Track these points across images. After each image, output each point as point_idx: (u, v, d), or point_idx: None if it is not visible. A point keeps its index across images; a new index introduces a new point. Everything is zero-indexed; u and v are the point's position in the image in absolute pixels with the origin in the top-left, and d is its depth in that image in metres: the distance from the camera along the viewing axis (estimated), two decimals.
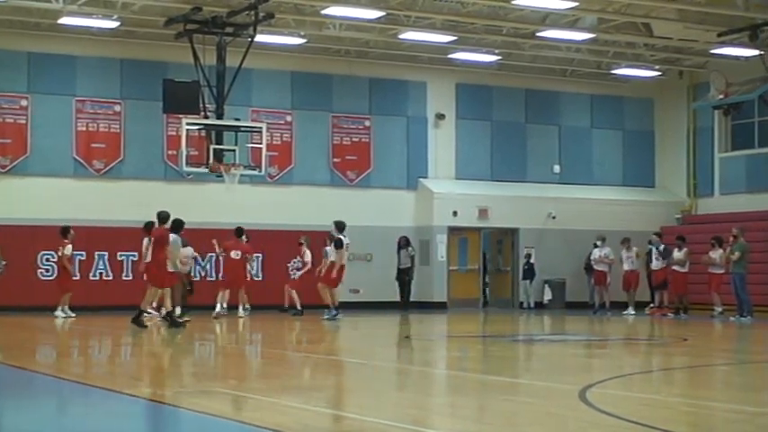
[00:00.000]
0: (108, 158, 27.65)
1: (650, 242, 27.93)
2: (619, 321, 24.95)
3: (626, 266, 27.95)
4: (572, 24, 27.58)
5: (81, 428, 8.70)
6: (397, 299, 29.52)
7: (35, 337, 19.59)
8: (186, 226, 25.22)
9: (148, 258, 22.50)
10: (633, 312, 27.20)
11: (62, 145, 27.16)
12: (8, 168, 26.84)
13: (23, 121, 26.94)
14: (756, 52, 27.15)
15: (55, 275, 25.26)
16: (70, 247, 24.24)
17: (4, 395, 10.70)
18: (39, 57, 27.03)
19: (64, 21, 25.63)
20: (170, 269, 20.72)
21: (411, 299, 29.67)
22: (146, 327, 19.85)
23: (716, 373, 13.50)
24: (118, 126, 27.76)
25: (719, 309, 25.83)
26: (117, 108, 27.76)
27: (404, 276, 29.67)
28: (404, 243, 29.75)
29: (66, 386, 11.35)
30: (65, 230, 24.24)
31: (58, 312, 23.85)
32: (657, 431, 8.07)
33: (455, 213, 30.48)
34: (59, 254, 24.22)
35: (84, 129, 27.47)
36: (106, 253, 26.97)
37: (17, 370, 12.88)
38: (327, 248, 23.77)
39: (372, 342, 19.17)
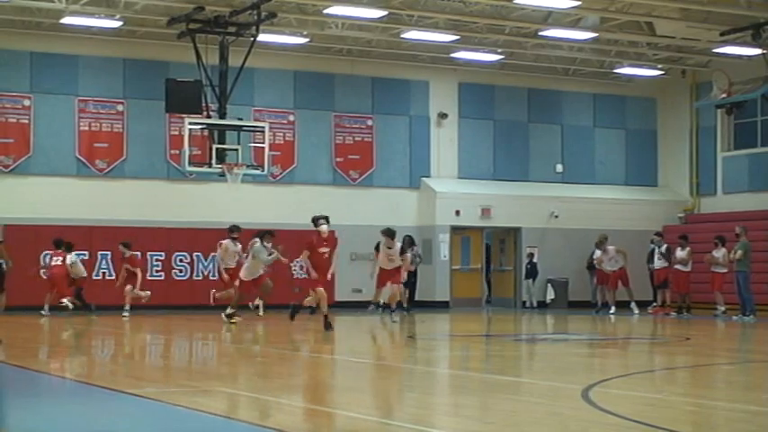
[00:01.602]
0: (111, 158, 27.66)
1: (652, 242, 27.90)
2: (621, 321, 24.92)
3: (608, 267, 27.64)
4: (574, 23, 27.56)
5: (82, 428, 8.70)
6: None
7: (37, 336, 19.59)
8: (187, 226, 25.33)
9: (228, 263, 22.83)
10: (637, 312, 27.04)
11: (65, 144, 27.18)
12: (11, 168, 26.85)
13: (26, 121, 26.95)
14: (759, 51, 27.11)
15: (48, 278, 24.75)
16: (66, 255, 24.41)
17: (5, 394, 10.69)
18: (41, 56, 27.03)
19: (66, 20, 25.65)
20: (245, 278, 21.64)
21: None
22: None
23: (719, 373, 13.49)
24: (120, 125, 27.76)
25: (722, 308, 25.81)
26: (120, 107, 27.78)
27: (408, 276, 29.50)
28: (408, 243, 29.62)
29: (68, 385, 11.35)
30: (59, 243, 24.28)
31: (46, 311, 24.05)
32: (660, 431, 8.06)
33: (458, 213, 30.47)
34: (66, 264, 24.17)
35: (87, 128, 27.48)
36: (109, 252, 26.92)
37: (19, 369, 12.88)
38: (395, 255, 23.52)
39: (375, 341, 19.16)
